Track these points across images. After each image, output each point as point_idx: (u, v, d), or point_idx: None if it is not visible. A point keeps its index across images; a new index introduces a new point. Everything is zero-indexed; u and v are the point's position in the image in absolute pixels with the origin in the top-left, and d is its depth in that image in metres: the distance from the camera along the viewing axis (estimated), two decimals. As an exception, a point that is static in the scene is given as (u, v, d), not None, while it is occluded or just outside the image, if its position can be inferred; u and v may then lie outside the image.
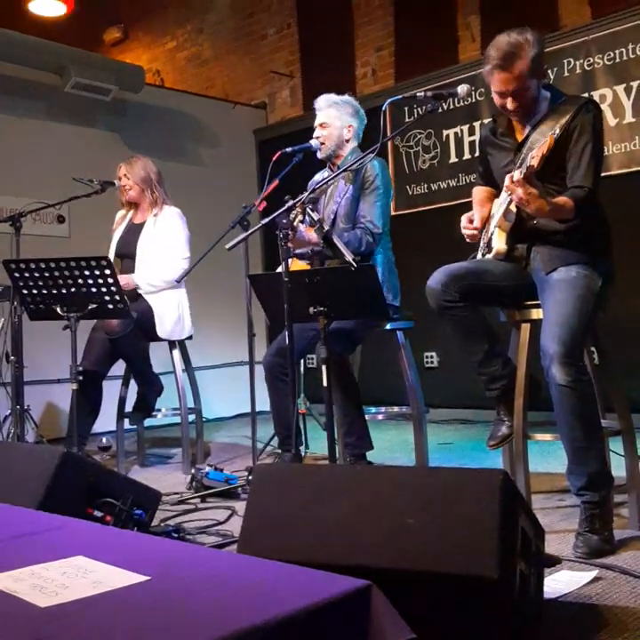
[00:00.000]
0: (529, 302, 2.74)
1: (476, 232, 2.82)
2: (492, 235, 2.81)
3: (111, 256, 4.23)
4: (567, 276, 2.57)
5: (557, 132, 2.43)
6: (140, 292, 4.13)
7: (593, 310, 2.55)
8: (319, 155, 3.68)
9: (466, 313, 2.70)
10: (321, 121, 3.69)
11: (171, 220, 4.28)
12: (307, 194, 3.00)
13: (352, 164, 3.23)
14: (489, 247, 2.83)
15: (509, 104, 2.64)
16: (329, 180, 3.34)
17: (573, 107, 2.61)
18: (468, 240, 2.90)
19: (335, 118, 3.67)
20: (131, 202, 4.38)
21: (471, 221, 2.85)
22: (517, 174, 2.46)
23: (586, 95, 5.10)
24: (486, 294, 2.75)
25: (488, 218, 2.88)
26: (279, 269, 3.47)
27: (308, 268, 3.58)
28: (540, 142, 2.53)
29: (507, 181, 2.52)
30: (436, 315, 2.75)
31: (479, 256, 2.95)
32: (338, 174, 3.37)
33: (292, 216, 2.86)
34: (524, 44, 2.56)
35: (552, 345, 2.44)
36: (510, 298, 2.80)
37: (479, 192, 3.04)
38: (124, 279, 3.93)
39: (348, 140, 3.69)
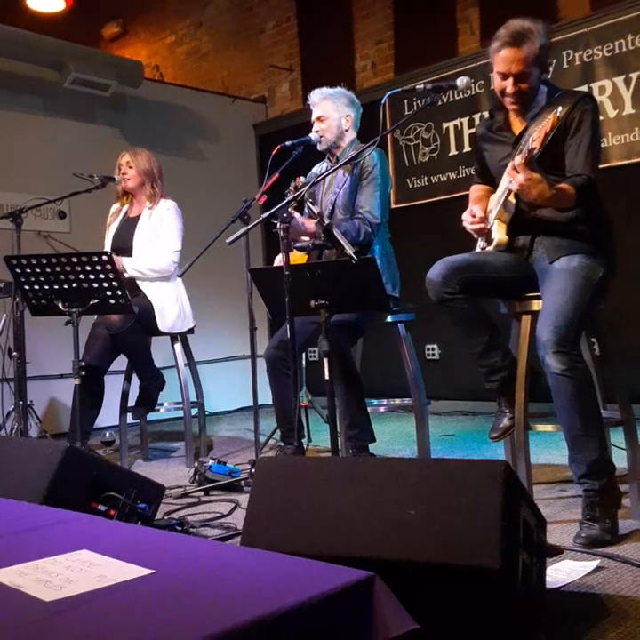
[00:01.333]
0: (530, 294, 2.74)
1: (482, 225, 2.82)
2: (491, 227, 2.82)
3: (107, 249, 4.23)
4: (568, 265, 2.58)
5: (560, 110, 2.43)
6: (125, 275, 4.11)
7: (590, 300, 2.55)
8: (319, 147, 3.68)
9: (466, 305, 2.70)
10: (318, 115, 3.69)
11: (165, 212, 4.27)
12: (306, 187, 3.00)
13: (352, 158, 3.23)
14: (489, 240, 2.83)
15: (509, 86, 2.65)
16: (329, 173, 3.33)
17: (571, 100, 2.63)
18: (475, 235, 2.90)
19: (332, 110, 3.67)
20: (127, 192, 4.37)
21: (473, 216, 2.85)
22: (519, 159, 2.46)
23: (585, 87, 5.11)
24: (487, 286, 2.75)
25: (486, 214, 2.89)
26: (277, 261, 3.48)
27: (305, 259, 3.58)
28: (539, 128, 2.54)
29: (508, 168, 2.53)
30: (436, 307, 2.76)
31: (478, 250, 2.95)
32: (338, 167, 3.37)
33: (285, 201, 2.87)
34: (534, 31, 2.60)
35: (545, 333, 2.46)
36: (511, 289, 2.80)
37: (476, 190, 3.05)
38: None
39: (347, 130, 3.70)
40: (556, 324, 2.45)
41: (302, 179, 3.47)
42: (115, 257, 3.89)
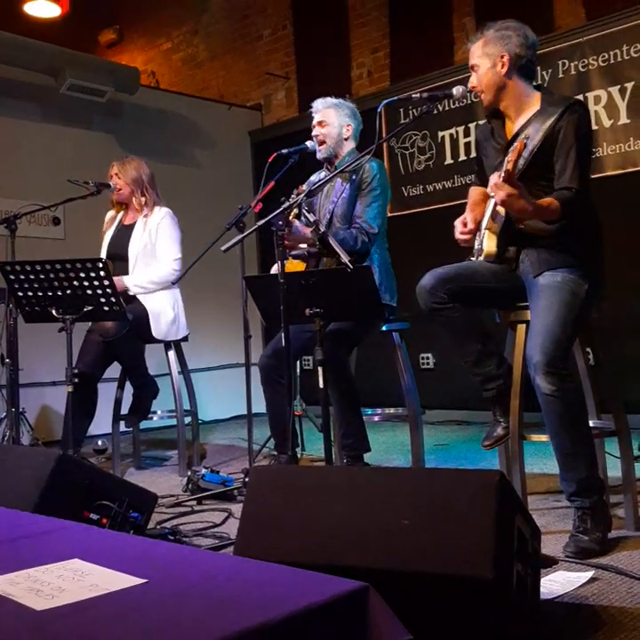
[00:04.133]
0: (522, 303, 2.74)
1: (469, 236, 2.82)
2: (482, 237, 2.81)
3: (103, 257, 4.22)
4: (552, 281, 2.57)
5: (526, 140, 2.48)
6: (130, 294, 4.11)
7: (578, 316, 2.54)
8: (319, 155, 3.68)
9: (456, 314, 2.70)
10: (319, 119, 3.70)
11: (161, 221, 4.26)
12: (302, 195, 3.00)
13: (349, 165, 3.24)
14: (480, 250, 2.83)
15: (472, 79, 2.76)
16: (326, 181, 3.34)
17: (559, 108, 2.62)
18: (462, 245, 2.90)
19: (334, 117, 3.68)
20: (121, 202, 4.36)
21: (465, 225, 2.84)
22: (495, 177, 2.48)
23: (580, 96, 5.12)
24: (476, 296, 2.75)
25: (481, 219, 2.88)
26: (274, 270, 3.48)
27: (303, 266, 3.58)
28: (528, 145, 2.55)
29: (490, 181, 2.54)
30: (427, 317, 2.75)
31: (474, 258, 2.94)
32: (335, 175, 3.37)
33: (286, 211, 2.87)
34: (490, 28, 2.76)
35: (535, 354, 2.46)
36: (501, 299, 2.80)
37: (474, 193, 3.04)
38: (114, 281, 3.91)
39: (346, 139, 3.70)
40: (545, 344, 2.45)
41: (304, 187, 3.46)
42: (115, 278, 3.87)
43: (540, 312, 2.54)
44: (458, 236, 2.85)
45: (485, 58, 2.71)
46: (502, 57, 2.69)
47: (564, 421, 2.45)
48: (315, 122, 3.72)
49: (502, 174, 2.46)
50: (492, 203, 2.75)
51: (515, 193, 2.44)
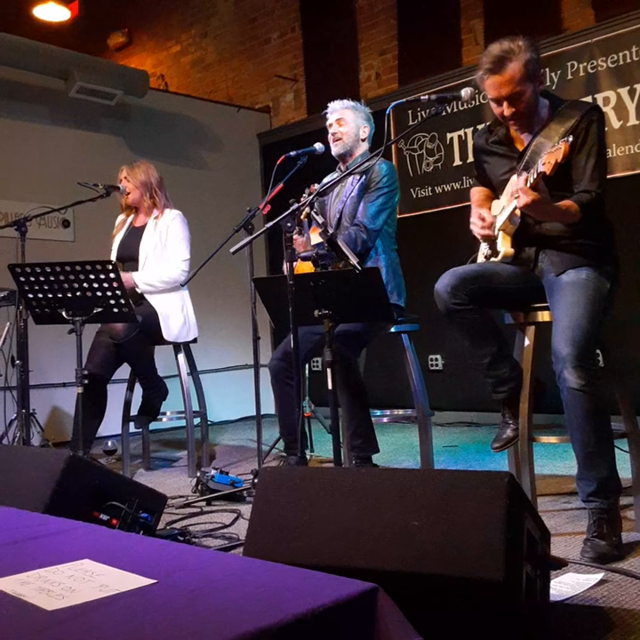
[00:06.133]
0: (535, 305, 2.73)
1: (490, 231, 2.79)
2: (496, 238, 2.80)
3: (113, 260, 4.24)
4: (577, 278, 2.56)
5: (571, 139, 2.39)
6: (137, 291, 4.12)
7: (603, 313, 2.54)
8: (333, 151, 3.67)
9: (474, 316, 2.69)
10: (338, 117, 3.70)
11: (171, 222, 4.28)
12: (313, 196, 3.00)
13: (358, 166, 3.25)
14: (494, 250, 2.82)
15: (506, 110, 2.61)
16: (336, 181, 3.34)
17: (577, 112, 2.60)
18: (483, 240, 2.88)
19: (352, 118, 3.69)
20: (131, 205, 4.38)
21: (483, 219, 2.81)
22: (522, 182, 2.45)
23: (589, 98, 5.12)
24: (494, 297, 2.74)
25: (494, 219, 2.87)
26: (284, 268, 3.48)
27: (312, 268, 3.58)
28: (546, 147, 2.53)
29: (513, 187, 2.52)
30: (442, 318, 2.73)
31: (480, 258, 2.94)
32: (345, 176, 3.38)
33: (298, 212, 2.88)
34: (514, 49, 2.55)
35: (565, 348, 2.42)
36: (517, 300, 2.79)
37: (477, 192, 3.03)
38: (123, 277, 3.91)
39: (363, 140, 3.71)
40: (574, 337, 2.42)
41: (317, 186, 3.47)
42: (124, 274, 3.89)
43: (568, 308, 2.51)
44: (478, 231, 2.82)
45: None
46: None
47: (590, 418, 2.41)
48: (332, 120, 3.72)
49: (531, 179, 2.43)
50: (505, 205, 2.75)
51: (539, 199, 2.43)
